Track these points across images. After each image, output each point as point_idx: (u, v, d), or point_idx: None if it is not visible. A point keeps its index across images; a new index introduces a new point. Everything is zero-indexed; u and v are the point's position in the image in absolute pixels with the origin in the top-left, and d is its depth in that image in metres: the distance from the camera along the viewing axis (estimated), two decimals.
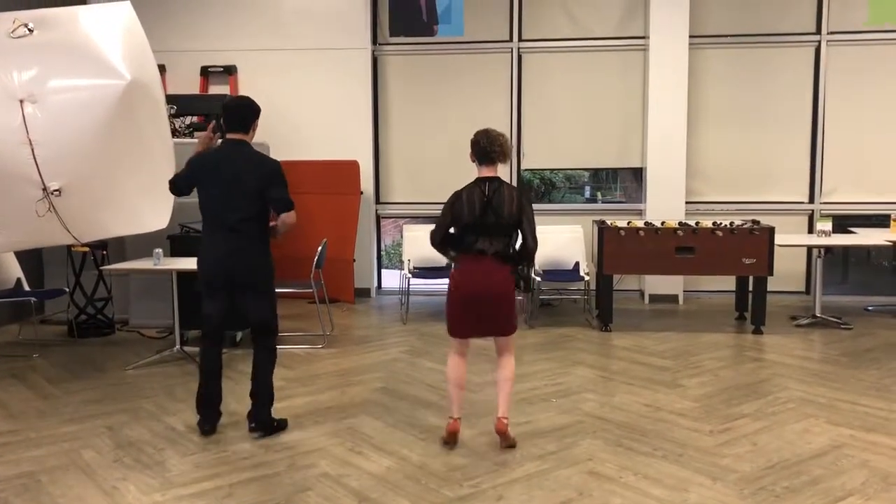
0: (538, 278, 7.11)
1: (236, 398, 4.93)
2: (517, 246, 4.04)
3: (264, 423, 4.30)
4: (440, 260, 7.56)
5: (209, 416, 4.33)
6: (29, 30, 4.87)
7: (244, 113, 4.21)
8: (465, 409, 4.68)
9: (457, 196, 3.99)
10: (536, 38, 8.23)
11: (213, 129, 4.37)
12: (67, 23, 5.04)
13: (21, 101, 4.70)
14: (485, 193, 3.93)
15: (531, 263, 4.11)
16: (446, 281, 7.82)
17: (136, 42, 5.21)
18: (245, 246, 4.14)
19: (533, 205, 4.09)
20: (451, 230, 4.04)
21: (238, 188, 4.10)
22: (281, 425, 4.37)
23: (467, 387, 5.14)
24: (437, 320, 7.24)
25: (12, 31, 4.89)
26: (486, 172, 4.01)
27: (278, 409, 4.48)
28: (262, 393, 4.30)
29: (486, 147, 3.97)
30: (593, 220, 7.30)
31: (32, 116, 4.69)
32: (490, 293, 3.93)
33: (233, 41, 8.36)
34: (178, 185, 4.34)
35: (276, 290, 4.38)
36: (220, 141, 4.36)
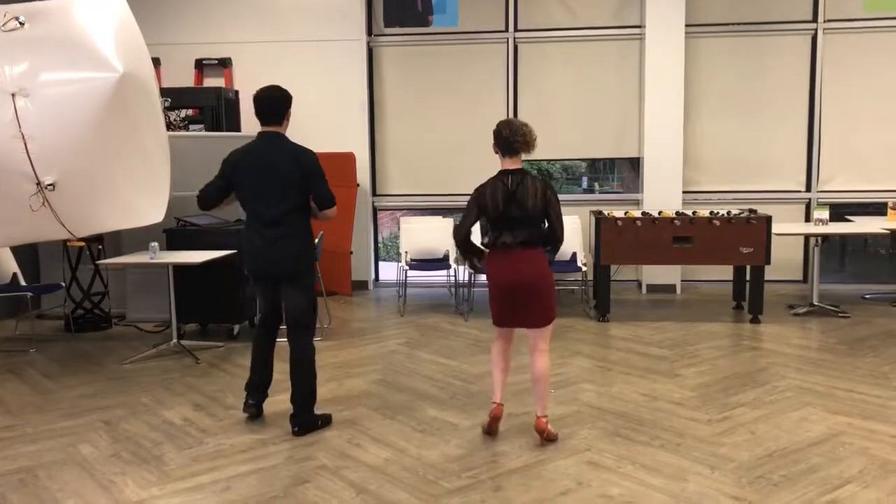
0: None
1: (233, 392, 4.93)
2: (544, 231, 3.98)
3: (308, 424, 4.24)
4: (437, 252, 7.62)
5: (256, 392, 4.42)
6: (20, 23, 4.83)
7: (275, 104, 4.16)
8: (461, 401, 4.70)
9: (481, 190, 3.93)
10: (532, 28, 8.20)
11: None
12: (59, 16, 5.00)
13: (13, 95, 4.67)
14: (508, 186, 3.87)
15: (556, 251, 4.04)
16: (443, 273, 7.90)
17: (129, 35, 5.17)
18: (285, 238, 4.13)
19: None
20: (473, 231, 4.00)
21: (276, 181, 4.08)
22: (326, 421, 4.33)
23: (466, 378, 5.16)
24: (435, 312, 7.24)
25: (3, 25, 4.85)
26: (510, 164, 3.95)
27: (278, 402, 4.48)
28: (302, 392, 4.23)
29: (509, 138, 3.91)
30: (590, 211, 7.29)
31: (24, 110, 4.66)
32: (522, 283, 3.88)
33: (227, 34, 8.32)
34: (209, 198, 4.27)
35: None
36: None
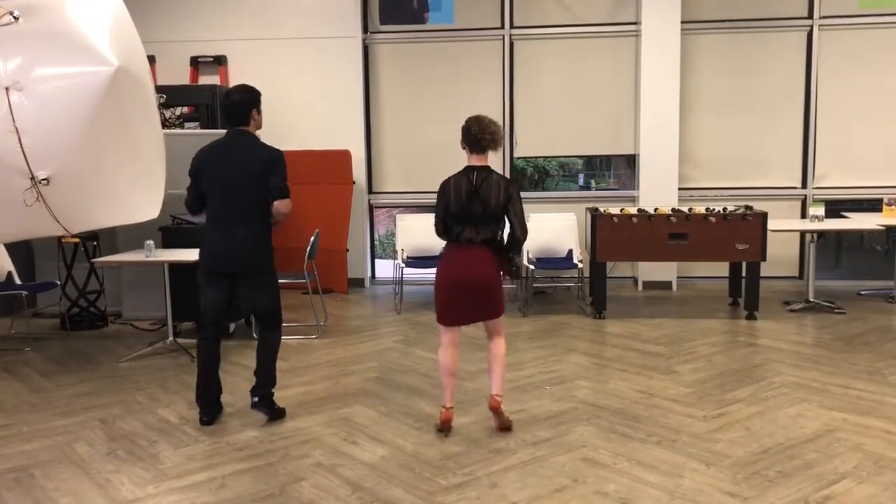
0: (531, 266, 7.11)
1: (230, 390, 4.91)
2: (506, 234, 4.02)
3: (266, 399, 4.30)
4: (434, 249, 7.60)
5: (208, 408, 4.34)
6: (14, 17, 4.80)
7: (236, 106, 4.17)
8: (458, 398, 4.69)
9: (445, 184, 3.98)
10: (528, 25, 8.20)
11: None
12: (53, 11, 4.97)
13: (7, 89, 4.65)
14: (472, 182, 3.91)
15: (518, 252, 4.08)
16: None
17: (124, 30, 5.15)
18: (246, 234, 4.13)
19: (522, 193, 4.07)
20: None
21: (238, 176, 4.09)
22: (280, 413, 4.38)
23: (460, 375, 5.15)
24: (431, 309, 7.20)
25: None
26: (476, 161, 3.98)
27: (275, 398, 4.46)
28: (263, 372, 4.31)
29: (477, 135, 3.94)
30: (586, 208, 7.29)
31: (19, 104, 4.63)
32: (473, 280, 3.92)
33: (223, 31, 8.29)
34: (195, 203, 4.28)
35: None
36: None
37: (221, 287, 4.22)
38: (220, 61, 8.30)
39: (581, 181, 8.97)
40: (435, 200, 4.03)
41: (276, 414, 4.35)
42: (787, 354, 5.52)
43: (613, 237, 6.62)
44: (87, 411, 4.61)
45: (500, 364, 4.07)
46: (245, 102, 4.18)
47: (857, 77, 7.90)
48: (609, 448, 3.90)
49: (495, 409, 4.04)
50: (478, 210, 3.89)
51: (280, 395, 4.63)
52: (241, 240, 4.14)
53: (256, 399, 4.29)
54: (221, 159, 4.15)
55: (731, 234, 6.50)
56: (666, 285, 7.98)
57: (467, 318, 4.04)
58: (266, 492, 3.48)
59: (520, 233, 3.93)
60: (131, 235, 6.37)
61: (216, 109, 7.70)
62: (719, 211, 6.71)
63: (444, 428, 4.10)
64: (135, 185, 5.28)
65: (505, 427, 4.09)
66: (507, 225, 4.01)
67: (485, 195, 3.88)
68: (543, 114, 8.18)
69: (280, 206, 4.13)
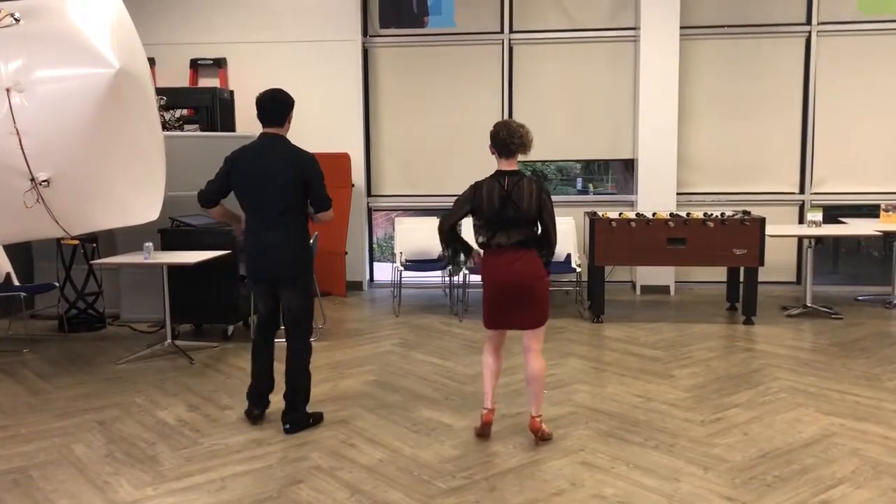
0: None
1: (227, 392, 4.92)
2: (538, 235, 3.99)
3: (299, 422, 4.25)
4: (432, 252, 7.62)
5: (259, 402, 4.37)
6: (15, 19, 4.81)
7: (278, 107, 4.17)
8: (455, 401, 4.71)
9: (476, 188, 3.92)
10: (527, 30, 8.21)
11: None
12: (55, 12, 4.98)
13: (8, 91, 4.65)
14: (504, 187, 3.88)
15: (550, 255, 4.05)
16: (438, 273, 7.89)
17: (124, 32, 5.16)
18: (283, 240, 4.13)
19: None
20: (459, 224, 4.01)
21: (275, 182, 4.08)
22: (317, 419, 4.36)
23: (459, 379, 5.16)
24: (430, 313, 7.24)
25: None
26: (506, 165, 3.95)
27: (273, 402, 4.46)
28: (297, 391, 4.26)
29: (507, 139, 3.90)
30: (585, 212, 7.30)
31: (19, 106, 4.64)
32: (517, 283, 3.89)
33: (222, 34, 8.30)
34: (210, 196, 4.25)
35: None
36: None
37: (266, 291, 4.27)
38: (219, 64, 8.31)
39: (579, 185, 8.99)
40: (435, 201, 3.99)
41: (315, 420, 4.34)
42: (785, 359, 5.53)
43: (611, 241, 6.63)
44: (85, 413, 4.61)
45: (539, 383, 3.98)
46: (286, 104, 4.19)
47: (856, 83, 7.92)
48: (607, 452, 3.90)
49: (535, 430, 3.99)
50: (510, 214, 3.86)
51: (279, 398, 4.62)
52: (275, 246, 4.13)
53: (288, 426, 4.22)
54: (256, 164, 4.12)
55: (729, 239, 6.52)
56: (664, 290, 7.99)
57: (509, 322, 3.97)
58: (265, 494, 3.49)
59: (553, 237, 3.94)
60: (130, 237, 6.37)
61: (216, 112, 7.71)
62: (717, 216, 6.73)
63: (485, 431, 4.08)
64: (135, 187, 5.28)
65: (545, 439, 4.04)
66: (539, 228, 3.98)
67: (517, 199, 3.86)
68: (542, 118, 8.20)
69: (324, 217, 4.23)
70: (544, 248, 3.99)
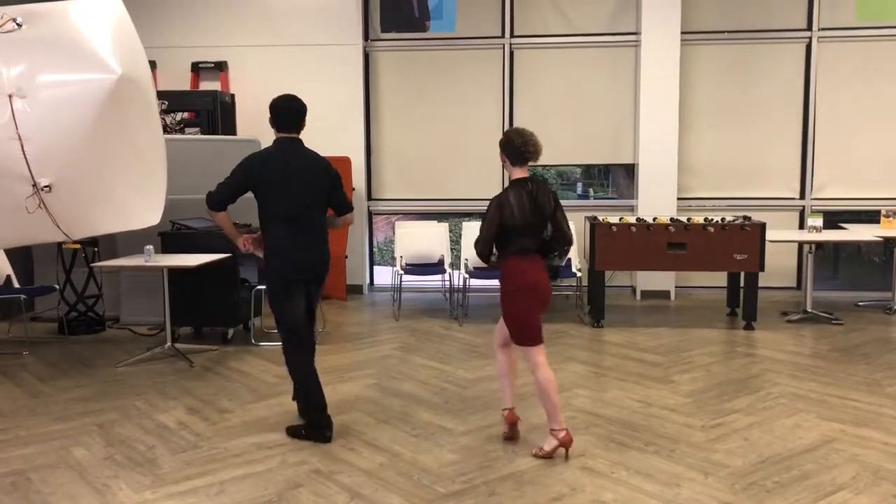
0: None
1: (227, 396, 4.92)
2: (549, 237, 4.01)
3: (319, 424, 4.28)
4: (432, 256, 7.62)
5: (329, 421, 4.21)
6: (17, 24, 4.82)
7: (302, 114, 4.23)
8: (455, 405, 4.70)
9: (503, 200, 3.86)
10: (528, 35, 8.23)
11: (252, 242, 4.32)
12: (56, 17, 4.99)
13: (10, 96, 4.66)
14: (532, 193, 3.89)
15: (566, 253, 4.08)
16: (438, 277, 7.88)
17: (126, 37, 5.17)
18: (319, 239, 4.25)
19: None
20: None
21: (305, 184, 4.14)
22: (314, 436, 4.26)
23: (460, 383, 5.16)
24: (430, 317, 7.24)
25: (1, 27, 4.85)
26: (521, 173, 3.95)
27: (271, 405, 4.46)
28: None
29: (521, 147, 3.89)
30: (585, 217, 7.31)
31: (22, 112, 4.65)
32: (546, 286, 3.96)
33: (224, 37, 8.32)
34: (222, 198, 4.15)
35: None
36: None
37: (302, 294, 4.23)
38: (220, 67, 8.32)
39: (580, 190, 8.99)
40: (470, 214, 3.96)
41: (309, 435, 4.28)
42: (785, 365, 5.53)
43: (612, 246, 6.63)
44: (84, 416, 4.60)
45: (554, 393, 3.91)
46: (305, 109, 4.25)
47: (856, 88, 7.93)
48: (607, 457, 3.90)
49: (569, 443, 3.91)
50: (536, 219, 3.89)
51: (278, 401, 4.65)
52: (317, 246, 4.23)
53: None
54: (289, 167, 4.12)
55: (730, 244, 6.52)
56: (664, 295, 7.99)
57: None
58: (264, 498, 3.48)
59: (570, 235, 4.01)
60: (131, 240, 6.36)
61: (217, 115, 7.72)
62: (718, 221, 6.73)
63: (512, 434, 4.10)
64: (136, 191, 5.29)
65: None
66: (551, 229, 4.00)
67: (542, 204, 3.90)
68: (543, 123, 8.19)
69: (348, 219, 4.40)
70: (557, 248, 4.01)
